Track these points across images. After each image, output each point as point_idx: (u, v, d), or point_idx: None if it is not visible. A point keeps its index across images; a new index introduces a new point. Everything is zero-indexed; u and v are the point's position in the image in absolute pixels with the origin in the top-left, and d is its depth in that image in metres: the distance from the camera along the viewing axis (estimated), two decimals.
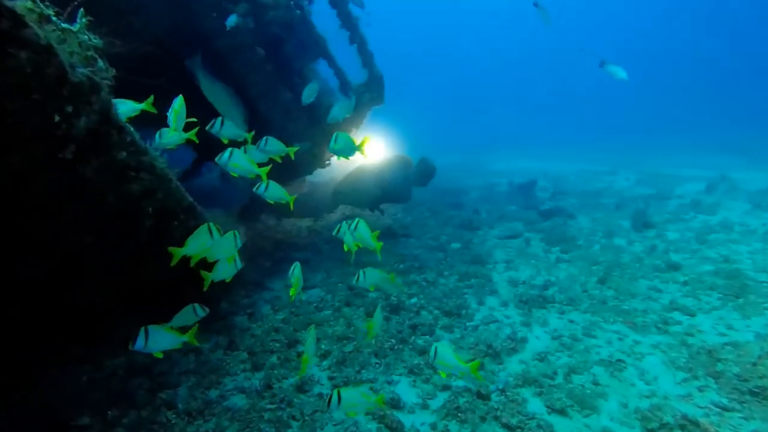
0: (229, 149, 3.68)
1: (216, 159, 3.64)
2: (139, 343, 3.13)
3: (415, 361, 5.02)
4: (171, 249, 3.23)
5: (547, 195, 15.61)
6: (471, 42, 67.48)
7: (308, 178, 11.40)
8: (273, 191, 3.94)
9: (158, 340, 3.19)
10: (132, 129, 2.85)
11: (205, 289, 3.91)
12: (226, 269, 3.77)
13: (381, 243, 4.31)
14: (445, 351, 3.52)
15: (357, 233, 4.20)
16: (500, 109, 51.97)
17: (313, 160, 8.74)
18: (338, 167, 10.60)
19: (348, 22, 8.66)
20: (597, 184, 17.73)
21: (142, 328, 3.17)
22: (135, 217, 3.39)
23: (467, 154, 30.02)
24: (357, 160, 7.06)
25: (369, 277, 4.61)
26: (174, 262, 3.27)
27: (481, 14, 67.89)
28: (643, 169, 19.60)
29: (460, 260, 8.62)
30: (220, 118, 3.97)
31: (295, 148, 4.33)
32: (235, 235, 3.63)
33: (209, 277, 3.63)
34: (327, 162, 10.06)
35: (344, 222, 4.04)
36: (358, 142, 4.29)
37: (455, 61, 65.88)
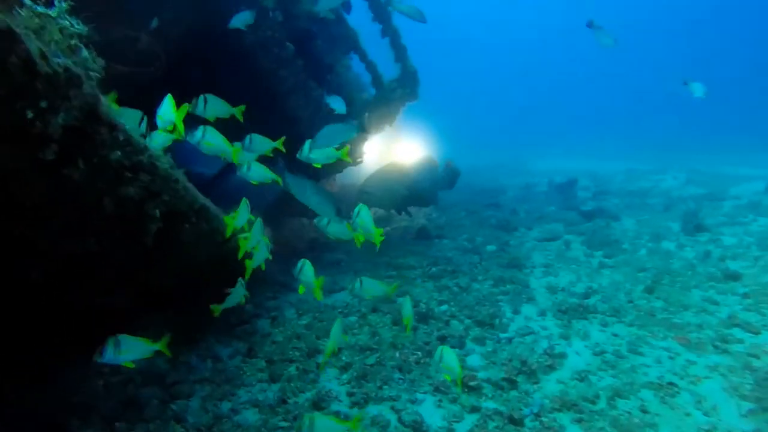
0: (202, 126, 3.46)
1: (188, 137, 3.44)
2: (108, 355, 2.95)
3: (442, 378, 4.65)
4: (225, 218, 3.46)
5: (589, 195, 14.86)
6: (516, 37, 65.30)
7: (339, 177, 11.15)
8: (256, 171, 3.78)
9: (129, 349, 3.02)
10: (126, 126, 2.59)
11: (246, 278, 3.93)
12: (261, 254, 3.90)
13: (380, 230, 4.26)
14: (449, 356, 3.55)
15: (359, 220, 4.10)
16: (544, 106, 50.45)
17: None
18: (371, 166, 10.30)
19: (380, 14, 8.32)
20: (643, 183, 16.80)
21: (111, 338, 2.99)
22: (138, 221, 3.15)
23: (508, 152, 29.16)
24: (383, 159, 6.77)
25: (367, 288, 4.44)
26: (228, 234, 3.58)
27: (533, 9, 65.33)
28: (694, 168, 18.47)
29: (495, 264, 8.16)
30: (202, 97, 3.68)
31: (282, 139, 4.13)
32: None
33: (250, 265, 3.76)
34: (359, 160, 9.78)
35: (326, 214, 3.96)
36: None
37: (501, 56, 63.92)
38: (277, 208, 9.55)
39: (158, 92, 3.50)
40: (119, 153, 2.65)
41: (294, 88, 7.64)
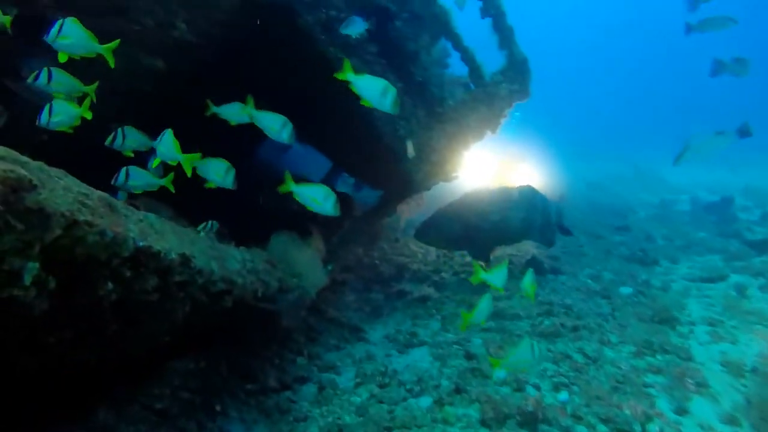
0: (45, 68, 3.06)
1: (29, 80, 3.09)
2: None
3: None
4: None
5: (755, 217, 11.64)
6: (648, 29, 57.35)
7: (428, 194, 9.34)
8: (167, 145, 3.29)
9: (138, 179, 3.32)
10: None
11: None
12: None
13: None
14: None
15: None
16: (652, 102, 44.05)
17: (428, 170, 6.67)
18: (469, 184, 8.44)
19: None
20: None
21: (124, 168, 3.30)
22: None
23: (621, 160, 24.80)
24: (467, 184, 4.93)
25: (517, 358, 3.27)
26: None
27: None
28: None
29: (634, 316, 5.90)
30: None
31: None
32: None
33: None
34: (454, 175, 7.87)
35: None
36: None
37: (627, 48, 56.57)
38: (374, 216, 8.00)
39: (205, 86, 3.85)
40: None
41: None
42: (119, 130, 3.34)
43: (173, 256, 2.40)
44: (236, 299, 3.18)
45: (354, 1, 5.70)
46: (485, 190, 8.05)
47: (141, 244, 2.15)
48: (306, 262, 5.02)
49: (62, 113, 3.09)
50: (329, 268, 7.09)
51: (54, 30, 2.91)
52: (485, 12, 6.70)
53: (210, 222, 4.10)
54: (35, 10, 4.18)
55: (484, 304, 3.72)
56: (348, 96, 6.02)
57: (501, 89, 7.21)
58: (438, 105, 6.77)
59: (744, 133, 4.91)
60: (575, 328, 5.45)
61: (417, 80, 6.45)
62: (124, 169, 3.36)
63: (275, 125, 3.49)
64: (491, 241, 7.70)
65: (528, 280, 4.14)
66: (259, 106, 5.90)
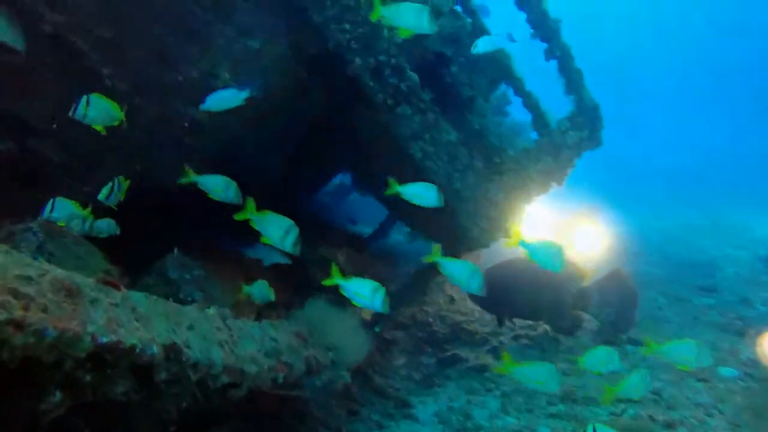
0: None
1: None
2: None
3: None
4: None
5: None
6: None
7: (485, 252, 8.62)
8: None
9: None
10: None
11: None
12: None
13: None
14: None
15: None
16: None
17: (486, 226, 6.03)
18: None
19: (544, 28, 5.94)
20: None
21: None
22: None
23: (690, 208, 22.61)
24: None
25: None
26: None
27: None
28: None
29: (747, 409, 4.84)
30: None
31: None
32: None
33: None
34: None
35: None
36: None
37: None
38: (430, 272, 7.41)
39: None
40: None
41: (419, 130, 5.57)
42: (84, 97, 3.04)
43: (155, 350, 1.90)
44: (249, 388, 2.65)
45: (406, 46, 5.32)
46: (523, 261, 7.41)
47: (104, 340, 1.66)
48: (346, 332, 4.46)
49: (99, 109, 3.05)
50: (377, 330, 6.48)
51: (82, 104, 2.98)
52: (550, 53, 6.14)
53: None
54: (83, 65, 4.08)
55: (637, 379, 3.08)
56: (398, 144, 5.59)
57: (569, 137, 6.54)
58: (497, 155, 6.20)
59: None
60: (669, 425, 4.47)
61: (474, 128, 5.92)
62: (51, 200, 3.21)
63: (279, 232, 3.02)
64: (537, 316, 6.99)
65: (601, 356, 3.38)
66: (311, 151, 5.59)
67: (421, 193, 3.89)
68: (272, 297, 4.04)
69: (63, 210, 3.21)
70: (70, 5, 3.89)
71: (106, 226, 3.74)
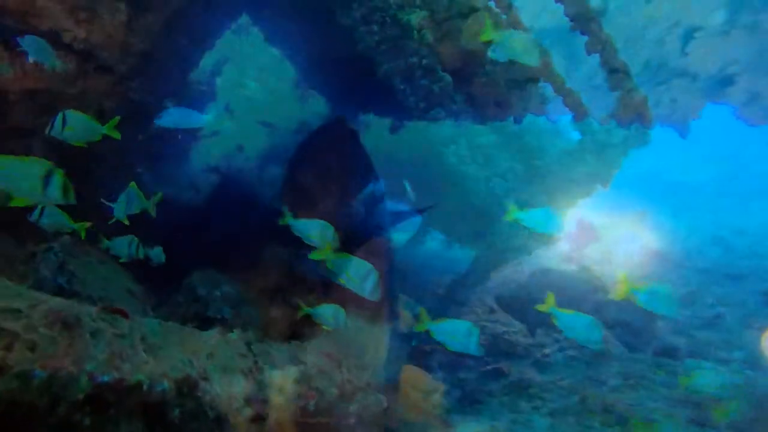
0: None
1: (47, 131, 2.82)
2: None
3: None
4: None
5: None
6: None
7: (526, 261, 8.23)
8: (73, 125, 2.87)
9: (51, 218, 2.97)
10: None
11: None
12: None
13: None
14: None
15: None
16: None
17: (526, 232, 5.71)
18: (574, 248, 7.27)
19: (583, 21, 5.57)
20: None
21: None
22: None
23: (727, 211, 21.27)
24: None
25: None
26: None
27: None
28: None
29: None
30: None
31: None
32: None
33: None
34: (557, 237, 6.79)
35: None
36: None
37: None
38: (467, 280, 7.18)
39: None
40: None
41: (454, 136, 5.30)
42: (60, 114, 2.82)
43: (165, 385, 1.69)
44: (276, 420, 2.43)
45: (437, 46, 5.06)
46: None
47: (104, 378, 1.46)
48: (380, 349, 4.20)
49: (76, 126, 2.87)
50: (414, 343, 6.22)
51: (58, 122, 2.81)
52: (591, 47, 5.76)
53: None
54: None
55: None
56: (436, 149, 5.35)
57: (613, 136, 6.15)
58: (537, 157, 5.86)
59: None
60: None
61: (512, 130, 5.61)
62: (39, 207, 3.04)
63: (358, 277, 3.11)
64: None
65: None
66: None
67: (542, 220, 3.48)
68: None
69: (52, 217, 3.07)
70: None
71: (155, 254, 3.68)
